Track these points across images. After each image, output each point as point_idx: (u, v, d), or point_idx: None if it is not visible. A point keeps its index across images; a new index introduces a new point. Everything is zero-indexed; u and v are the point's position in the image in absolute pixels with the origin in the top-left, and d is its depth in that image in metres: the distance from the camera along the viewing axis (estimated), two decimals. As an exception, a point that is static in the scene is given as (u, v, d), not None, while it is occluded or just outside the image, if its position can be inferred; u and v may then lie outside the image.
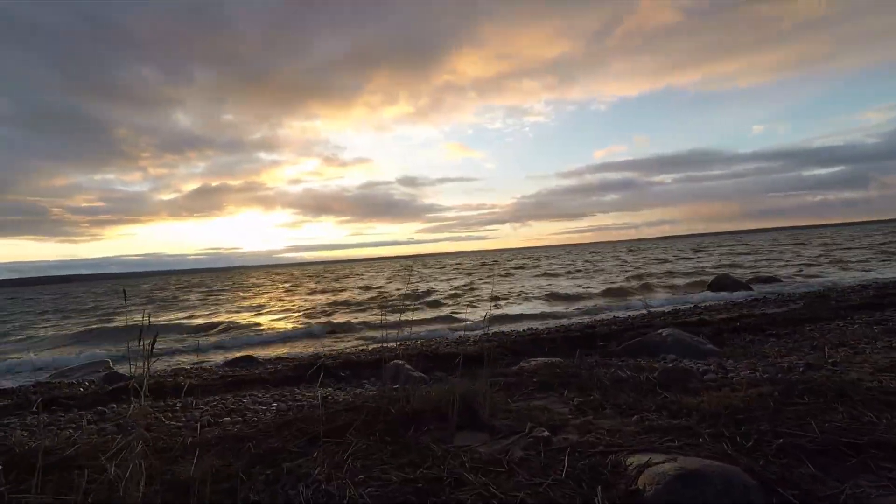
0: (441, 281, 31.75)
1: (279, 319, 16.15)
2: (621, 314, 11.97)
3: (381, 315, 13.54)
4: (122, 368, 9.36)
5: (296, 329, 13.28)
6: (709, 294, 13.55)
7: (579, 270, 32.22)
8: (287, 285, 41.66)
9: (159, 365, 9.80)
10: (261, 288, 40.81)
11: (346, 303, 19.80)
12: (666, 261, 35.15)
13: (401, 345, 8.81)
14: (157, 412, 4.12)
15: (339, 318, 14.83)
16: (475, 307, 16.53)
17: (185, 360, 9.95)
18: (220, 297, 31.04)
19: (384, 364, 5.62)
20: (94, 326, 17.94)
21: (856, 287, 11.10)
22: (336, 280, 44.67)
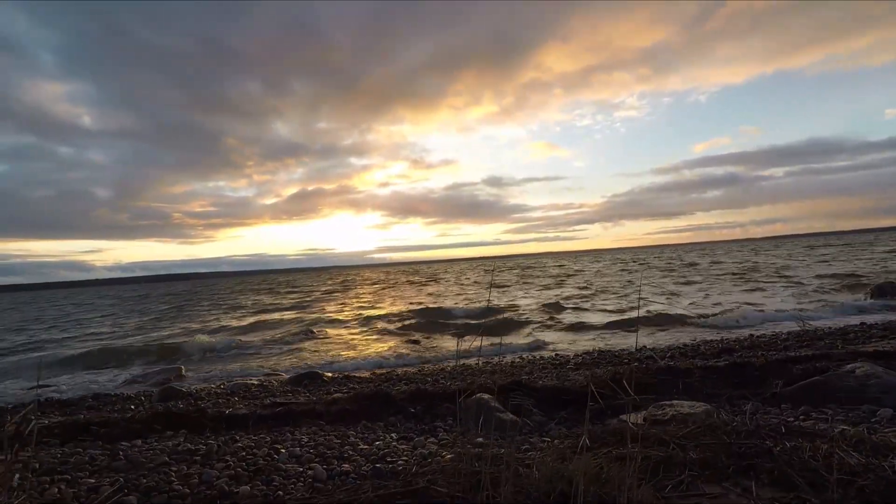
0: (529, 287, 30.17)
1: (364, 329, 15.58)
2: (764, 329, 9.79)
3: (463, 338, 12.37)
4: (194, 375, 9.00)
5: (379, 340, 12.55)
6: (876, 304, 10.79)
7: (690, 268, 28.90)
8: (378, 287, 42.12)
9: (236, 366, 9.45)
10: (361, 289, 41.57)
11: (440, 313, 18.80)
12: (789, 265, 30.60)
13: (486, 363, 7.57)
14: (174, 460, 3.23)
15: (424, 331, 13.89)
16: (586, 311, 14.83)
17: (268, 365, 9.50)
18: (320, 296, 31.79)
19: (460, 397, 4.38)
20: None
21: None
22: (425, 283, 44.45)
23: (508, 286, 29.13)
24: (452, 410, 4.62)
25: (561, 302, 17.40)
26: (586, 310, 15.37)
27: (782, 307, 12.20)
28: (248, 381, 6.83)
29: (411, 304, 21.62)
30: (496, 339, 10.48)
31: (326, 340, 12.95)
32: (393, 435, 3.76)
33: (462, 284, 36.01)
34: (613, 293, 20.36)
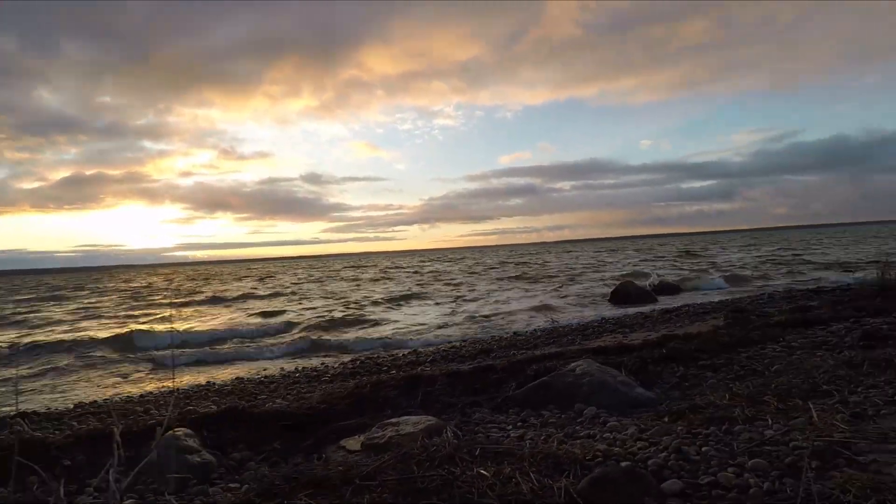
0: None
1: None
2: (521, 326, 10.52)
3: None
4: None
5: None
6: (613, 306, 12.60)
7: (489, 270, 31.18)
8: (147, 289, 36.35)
9: None
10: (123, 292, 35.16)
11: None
12: (575, 266, 35.34)
13: (213, 384, 6.46)
14: None
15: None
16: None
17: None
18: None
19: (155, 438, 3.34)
20: None
21: (762, 297, 10.58)
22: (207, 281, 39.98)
23: (292, 293, 27.67)
24: (135, 455, 3.53)
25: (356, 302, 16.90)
26: (377, 313, 15.10)
27: (550, 304, 13.57)
28: None
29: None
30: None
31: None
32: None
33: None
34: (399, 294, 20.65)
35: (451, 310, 14.16)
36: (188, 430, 3.63)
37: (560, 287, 19.33)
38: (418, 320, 12.33)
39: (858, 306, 7.40)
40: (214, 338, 11.19)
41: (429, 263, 57.42)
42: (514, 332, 8.91)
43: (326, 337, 10.39)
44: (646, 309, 11.01)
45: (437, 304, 15.80)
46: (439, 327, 11.01)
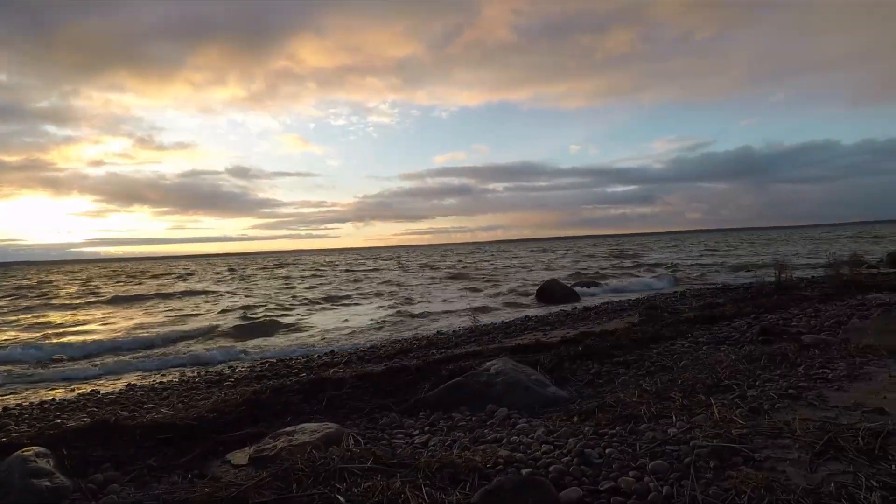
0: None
1: None
2: (448, 324, 10.39)
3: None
4: None
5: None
6: (538, 304, 12.79)
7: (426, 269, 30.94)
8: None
9: None
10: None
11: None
12: (499, 266, 35.87)
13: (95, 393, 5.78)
14: None
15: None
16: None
17: None
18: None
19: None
20: None
21: (675, 295, 11.11)
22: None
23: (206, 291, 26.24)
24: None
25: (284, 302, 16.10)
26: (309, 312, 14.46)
27: (479, 303, 13.58)
28: None
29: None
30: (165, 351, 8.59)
31: None
32: None
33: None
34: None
35: (379, 309, 13.81)
36: (42, 450, 3.10)
37: (490, 286, 19.48)
38: (345, 321, 11.83)
39: (758, 303, 7.89)
40: (88, 352, 8.93)
41: (362, 262, 56.47)
42: (437, 332, 8.74)
43: (239, 343, 9.54)
44: (569, 307, 11.25)
45: (367, 303, 15.38)
46: (366, 328, 10.62)
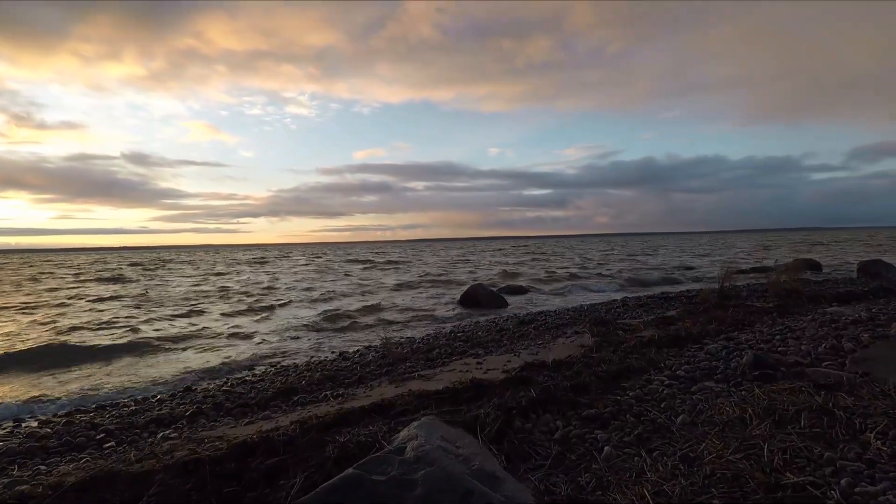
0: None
1: None
2: (361, 337, 8.54)
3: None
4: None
5: None
6: (463, 312, 11.28)
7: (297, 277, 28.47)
8: None
9: None
10: None
11: None
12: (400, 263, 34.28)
13: None
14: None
15: None
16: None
17: None
18: None
19: None
20: None
21: (615, 304, 10.09)
22: None
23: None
24: None
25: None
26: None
27: (397, 309, 11.85)
28: None
29: None
30: None
31: None
32: None
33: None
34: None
35: (273, 318, 11.60)
36: None
37: (410, 289, 17.81)
38: (225, 336, 9.48)
39: (715, 317, 6.90)
40: None
41: (273, 260, 52.48)
42: (341, 354, 6.87)
43: (32, 385, 6.27)
44: (497, 316, 9.84)
45: (261, 310, 13.03)
46: (250, 348, 8.35)
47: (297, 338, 8.85)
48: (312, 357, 6.87)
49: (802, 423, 2.89)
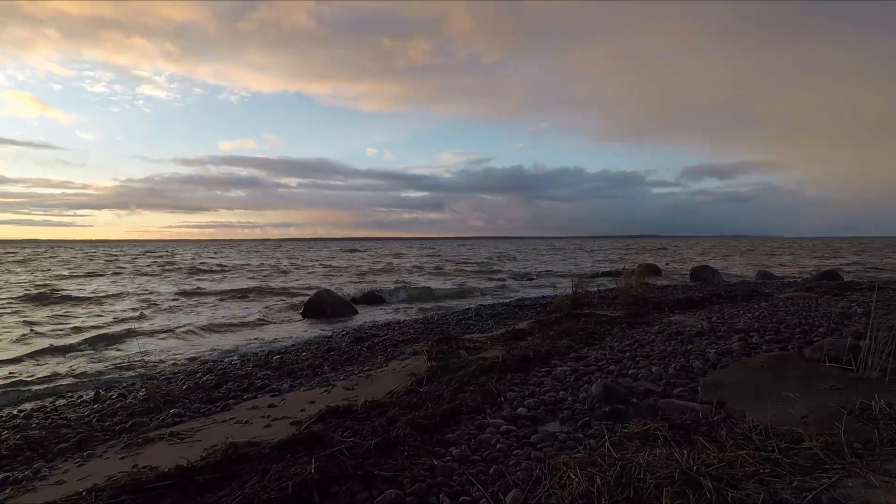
0: None
1: None
2: (165, 358, 6.65)
3: None
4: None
5: None
6: (300, 324, 9.71)
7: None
8: None
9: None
10: None
11: None
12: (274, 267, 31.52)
13: None
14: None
15: None
16: None
17: None
18: None
19: None
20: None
21: (468, 313, 9.34)
22: None
23: None
24: None
25: None
26: None
27: (229, 320, 9.92)
28: None
29: None
30: None
31: None
32: None
33: None
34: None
35: (77, 334, 9.04)
36: None
37: (252, 296, 15.68)
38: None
39: (566, 329, 6.36)
40: None
41: (105, 259, 45.06)
42: (96, 393, 5.03)
43: None
44: (336, 329, 8.54)
45: (59, 326, 10.16)
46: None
47: (95, 357, 6.65)
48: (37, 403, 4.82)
49: (664, 502, 2.06)
